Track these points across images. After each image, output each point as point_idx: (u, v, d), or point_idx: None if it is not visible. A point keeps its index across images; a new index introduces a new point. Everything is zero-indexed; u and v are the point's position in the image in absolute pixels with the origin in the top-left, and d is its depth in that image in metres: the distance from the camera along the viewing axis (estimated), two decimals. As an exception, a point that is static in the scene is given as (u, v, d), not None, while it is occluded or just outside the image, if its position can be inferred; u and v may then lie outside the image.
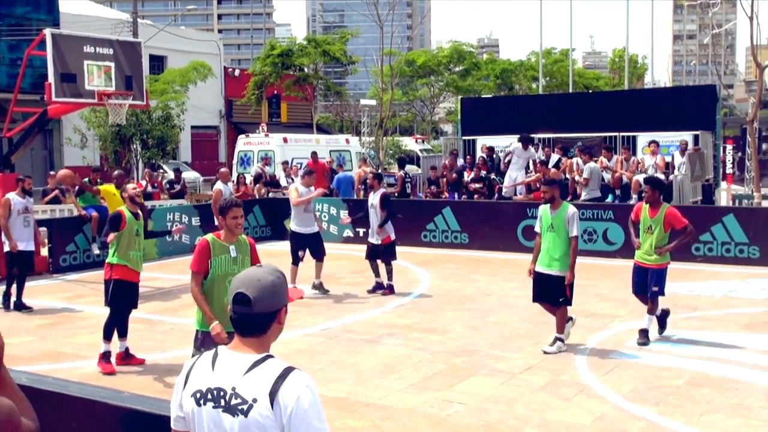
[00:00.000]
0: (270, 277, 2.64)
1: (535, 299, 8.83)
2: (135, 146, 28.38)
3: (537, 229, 8.79)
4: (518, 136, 18.37)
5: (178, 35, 43.96)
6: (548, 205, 8.56)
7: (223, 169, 14.82)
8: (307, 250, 12.15)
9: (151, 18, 77.14)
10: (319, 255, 12.11)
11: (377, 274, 12.10)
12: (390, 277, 11.98)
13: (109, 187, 13.23)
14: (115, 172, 12.78)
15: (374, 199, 12.14)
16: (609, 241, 14.83)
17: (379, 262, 12.12)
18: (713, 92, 19.60)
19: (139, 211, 8.65)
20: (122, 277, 8.24)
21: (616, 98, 23.25)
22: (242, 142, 27.63)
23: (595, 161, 17.32)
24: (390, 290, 11.89)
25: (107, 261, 8.39)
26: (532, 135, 19.36)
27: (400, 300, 11.48)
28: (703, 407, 6.73)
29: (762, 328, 9.42)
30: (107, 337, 8.19)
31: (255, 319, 2.60)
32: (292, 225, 12.13)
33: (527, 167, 18.19)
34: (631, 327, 9.54)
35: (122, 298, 8.27)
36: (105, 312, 10.82)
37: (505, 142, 18.61)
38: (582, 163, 17.27)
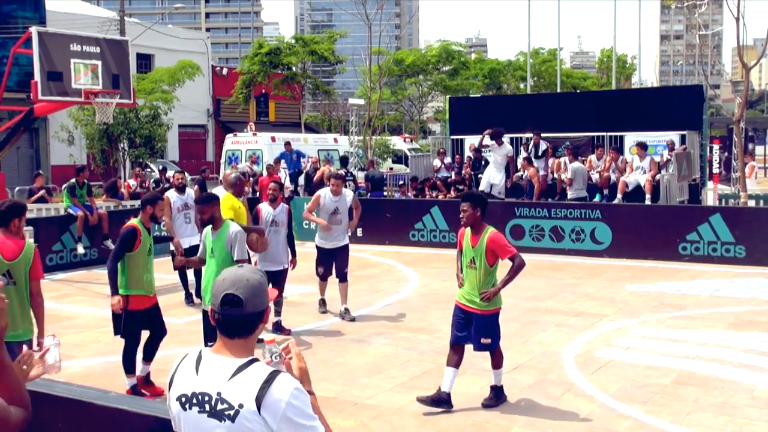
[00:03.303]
0: (256, 276, 2.63)
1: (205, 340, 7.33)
2: (122, 145, 28.29)
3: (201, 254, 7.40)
4: (489, 131, 17.19)
5: (166, 34, 43.83)
6: (209, 227, 7.14)
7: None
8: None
9: (138, 16, 76.86)
10: (341, 274, 10.30)
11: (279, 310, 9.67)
12: (279, 312, 9.62)
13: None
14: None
15: (280, 214, 9.59)
16: (596, 240, 14.89)
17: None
18: (700, 92, 19.69)
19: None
20: (137, 307, 7.05)
21: (604, 98, 23.32)
22: (230, 141, 27.61)
23: (582, 161, 17.39)
24: (280, 327, 9.51)
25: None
26: (521, 135, 19.38)
27: (389, 299, 11.48)
28: (690, 406, 6.76)
29: (748, 327, 9.48)
30: (130, 370, 7.19)
31: (246, 319, 2.58)
32: (316, 236, 10.52)
33: (507, 166, 17.48)
34: (619, 326, 9.59)
35: (140, 329, 7.16)
36: (93, 311, 10.83)
37: (492, 142, 18.55)
38: (569, 162, 17.32)
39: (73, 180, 14.79)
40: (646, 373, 7.68)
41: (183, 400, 2.59)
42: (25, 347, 5.24)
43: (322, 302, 10.69)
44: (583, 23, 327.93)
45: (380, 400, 7.01)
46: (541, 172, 17.58)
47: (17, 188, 24.00)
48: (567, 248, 15.10)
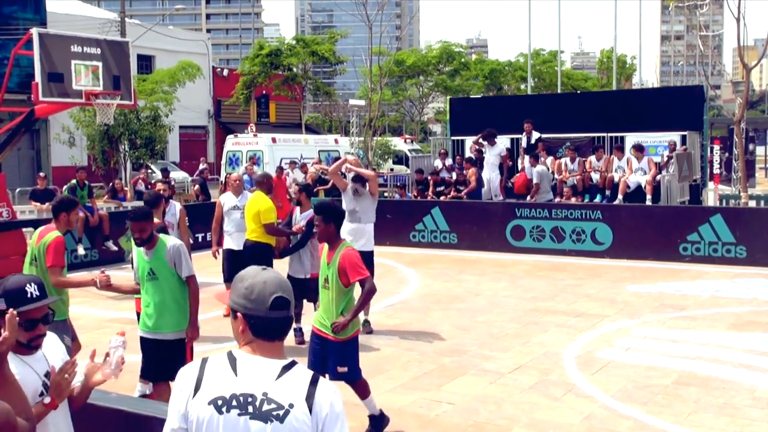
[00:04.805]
0: (285, 278, 2.66)
1: (144, 375, 6.31)
2: (123, 146, 28.30)
3: (134, 279, 6.31)
4: (483, 132, 17.57)
5: (167, 35, 43.88)
6: (142, 248, 5.99)
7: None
8: None
9: (139, 17, 76.90)
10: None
11: (299, 319, 8.92)
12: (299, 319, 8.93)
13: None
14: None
15: (302, 219, 9.19)
16: (597, 241, 14.88)
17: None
18: (701, 93, 19.68)
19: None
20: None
21: (605, 99, 23.31)
22: (231, 142, 27.59)
23: (582, 162, 17.39)
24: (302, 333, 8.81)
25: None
26: (521, 135, 19.36)
27: (389, 300, 11.47)
28: (691, 406, 6.76)
29: (749, 327, 9.48)
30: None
31: (289, 321, 2.61)
32: None
33: (501, 166, 17.61)
34: (620, 327, 9.59)
35: None
36: (94, 312, 10.85)
37: (485, 143, 18.53)
38: (570, 163, 17.32)
39: (74, 181, 14.82)
40: (647, 374, 7.67)
41: (219, 402, 2.46)
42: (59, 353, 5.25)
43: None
44: (583, 24, 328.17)
45: (381, 400, 7.00)
46: (526, 165, 17.52)
47: (18, 189, 24.00)
48: (568, 249, 15.10)
